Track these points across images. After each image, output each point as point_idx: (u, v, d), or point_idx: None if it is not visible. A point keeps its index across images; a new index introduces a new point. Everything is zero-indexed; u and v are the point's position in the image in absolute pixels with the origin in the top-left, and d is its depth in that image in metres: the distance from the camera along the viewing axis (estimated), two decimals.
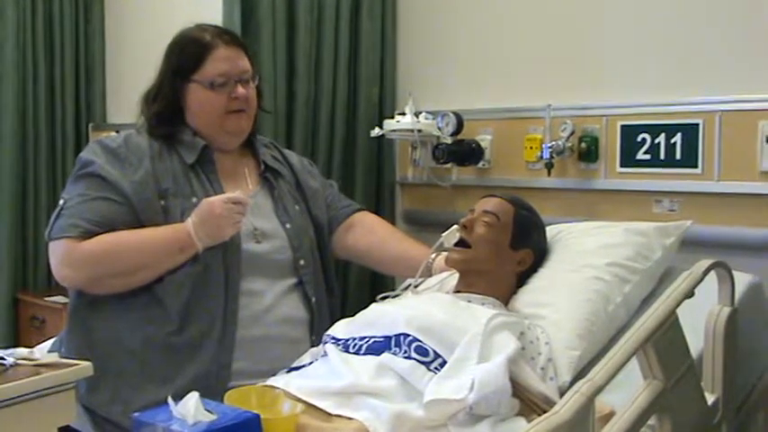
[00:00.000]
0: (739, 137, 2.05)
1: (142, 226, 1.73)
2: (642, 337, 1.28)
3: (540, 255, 1.79)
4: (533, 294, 1.72)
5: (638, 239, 1.82)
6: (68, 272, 1.74)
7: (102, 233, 1.71)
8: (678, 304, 1.38)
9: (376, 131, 2.50)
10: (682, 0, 2.17)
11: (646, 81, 2.22)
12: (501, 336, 1.47)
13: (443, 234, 1.77)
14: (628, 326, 1.63)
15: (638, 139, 2.20)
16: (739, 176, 2.06)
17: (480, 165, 2.52)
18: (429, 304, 1.61)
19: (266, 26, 2.43)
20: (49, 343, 1.95)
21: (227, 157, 1.89)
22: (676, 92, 2.15)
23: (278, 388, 1.45)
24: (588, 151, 2.28)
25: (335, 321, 1.70)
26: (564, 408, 1.10)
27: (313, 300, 1.86)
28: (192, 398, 1.23)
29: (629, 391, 1.31)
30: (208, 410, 1.22)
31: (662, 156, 2.16)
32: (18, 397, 1.27)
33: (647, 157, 2.19)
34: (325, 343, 1.60)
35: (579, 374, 1.53)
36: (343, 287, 2.49)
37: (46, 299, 3.16)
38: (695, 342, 1.50)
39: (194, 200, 1.76)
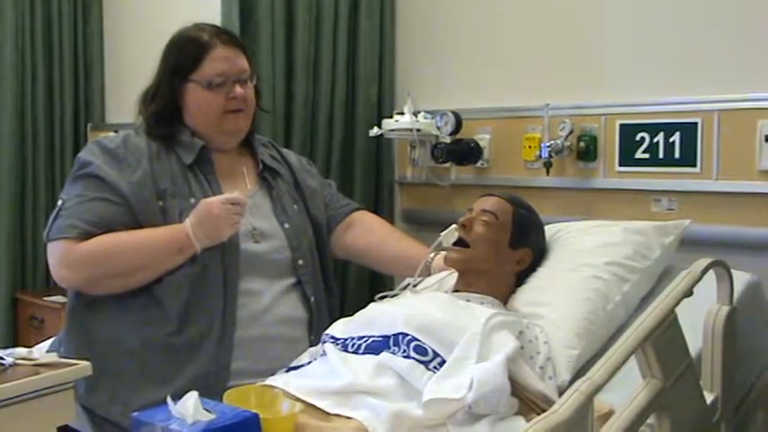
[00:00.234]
0: (738, 136, 2.05)
1: (140, 227, 1.73)
2: (641, 336, 1.28)
3: (538, 254, 1.79)
4: (532, 293, 1.72)
5: (637, 238, 1.82)
6: (66, 273, 1.74)
7: (100, 234, 1.71)
8: (677, 303, 1.38)
9: (375, 131, 2.50)
10: (681, 0, 2.17)
11: (644, 80, 2.22)
12: (500, 335, 1.47)
13: (442, 233, 1.77)
14: (627, 325, 1.63)
15: (637, 138, 2.20)
16: (738, 175, 2.06)
17: (479, 164, 2.52)
18: (428, 303, 1.61)
19: (265, 26, 2.42)
20: (47, 343, 1.95)
21: (225, 156, 1.88)
22: (675, 91, 2.15)
23: (277, 387, 1.45)
24: (587, 150, 2.28)
25: (334, 321, 1.70)
26: (563, 407, 1.10)
27: (312, 299, 1.86)
28: (191, 397, 1.22)
29: (628, 390, 1.31)
30: (207, 410, 1.22)
31: (661, 155, 2.16)
32: (17, 396, 1.27)
33: (646, 156, 2.19)
34: (324, 342, 1.60)
35: (578, 373, 1.53)
36: (341, 287, 2.49)
37: (45, 299, 3.16)
38: (694, 341, 1.49)
39: (192, 200, 1.76)
